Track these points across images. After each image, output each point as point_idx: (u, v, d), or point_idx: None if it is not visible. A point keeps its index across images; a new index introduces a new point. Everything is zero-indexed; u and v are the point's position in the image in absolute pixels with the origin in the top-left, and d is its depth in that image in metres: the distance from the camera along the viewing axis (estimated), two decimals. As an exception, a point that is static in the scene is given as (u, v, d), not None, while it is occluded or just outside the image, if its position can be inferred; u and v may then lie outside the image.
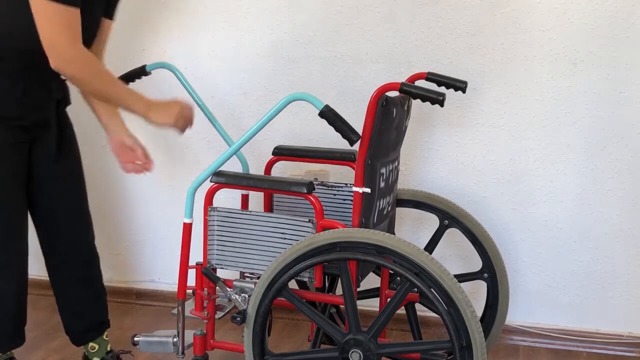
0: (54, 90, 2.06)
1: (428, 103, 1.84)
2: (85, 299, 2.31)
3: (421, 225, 2.70)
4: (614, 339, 2.60)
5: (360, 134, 1.85)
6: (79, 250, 2.25)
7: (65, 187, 2.18)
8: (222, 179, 1.99)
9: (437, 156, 2.65)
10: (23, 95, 1.96)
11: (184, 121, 2.03)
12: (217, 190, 2.01)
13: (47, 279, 3.05)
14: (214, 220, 2.01)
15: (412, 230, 2.71)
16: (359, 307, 1.87)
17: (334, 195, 2.29)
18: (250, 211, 2.02)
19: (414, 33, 2.58)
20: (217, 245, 2.03)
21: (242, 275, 2.22)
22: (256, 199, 2.36)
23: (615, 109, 2.50)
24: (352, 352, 1.85)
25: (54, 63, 1.85)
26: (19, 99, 1.96)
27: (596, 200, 2.56)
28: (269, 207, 2.32)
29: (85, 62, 1.90)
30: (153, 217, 2.95)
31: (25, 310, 2.19)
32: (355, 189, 1.89)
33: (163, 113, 1.99)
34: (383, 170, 1.98)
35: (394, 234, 2.28)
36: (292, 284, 2.18)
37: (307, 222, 1.93)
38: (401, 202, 2.32)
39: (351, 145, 1.85)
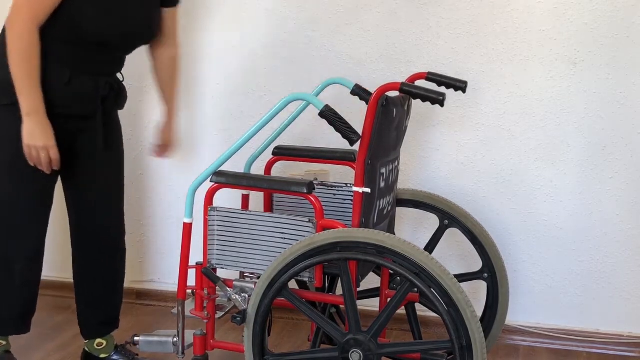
0: (101, 87, 2.13)
1: (428, 103, 1.84)
2: (104, 290, 2.37)
3: (421, 226, 2.70)
4: (614, 339, 2.60)
5: (360, 134, 1.85)
6: (108, 233, 2.31)
7: (105, 176, 2.27)
8: (222, 179, 1.99)
9: (437, 156, 2.65)
10: (67, 84, 2.06)
11: (35, 155, 2.03)
12: (217, 190, 2.01)
13: (48, 278, 3.06)
14: (214, 220, 2.01)
15: (412, 230, 2.71)
16: (359, 307, 1.87)
17: (334, 195, 2.29)
18: (251, 211, 2.02)
19: (414, 33, 2.58)
20: (217, 245, 2.02)
21: (242, 275, 2.22)
22: (256, 198, 2.36)
23: (616, 109, 2.50)
24: (352, 352, 1.85)
25: (7, 21, 1.99)
26: (62, 89, 2.06)
27: (596, 200, 2.56)
28: (269, 207, 2.32)
29: (21, 40, 1.97)
30: (153, 217, 2.95)
31: (35, 298, 2.28)
32: (355, 188, 1.89)
33: (29, 132, 2.01)
34: (383, 170, 1.98)
35: (394, 233, 2.28)
36: (293, 284, 2.19)
37: (307, 222, 1.93)
38: (401, 202, 2.32)
39: (351, 145, 1.85)
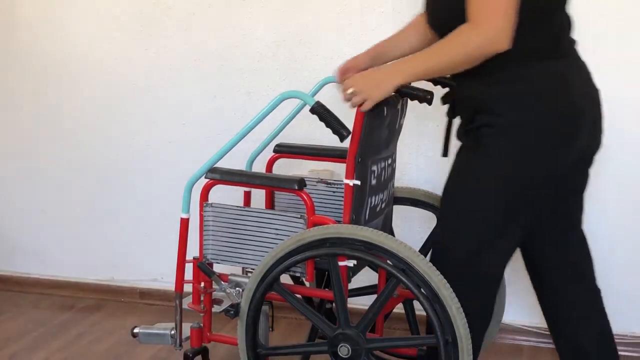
0: None
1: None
2: None
3: (425, 224, 2.71)
4: (616, 339, 2.55)
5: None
6: None
7: None
8: (217, 175, 2.03)
9: (440, 155, 2.66)
10: None
11: None
12: (212, 187, 2.06)
13: (51, 278, 3.14)
14: (209, 216, 2.06)
15: (418, 229, 2.72)
16: (360, 305, 1.89)
17: (334, 192, 2.32)
18: (244, 207, 2.06)
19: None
20: (212, 240, 2.07)
21: (244, 271, 2.27)
22: (260, 197, 2.39)
23: (618, 108, 2.48)
24: (341, 346, 1.88)
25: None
26: None
27: (598, 199, 2.54)
28: (270, 204, 2.36)
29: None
30: (156, 216, 2.99)
31: None
32: (346, 181, 1.91)
33: None
34: (374, 168, 2.01)
35: (392, 231, 2.30)
36: (289, 280, 2.22)
37: (298, 218, 1.97)
38: (398, 200, 2.34)
39: (341, 140, 1.88)
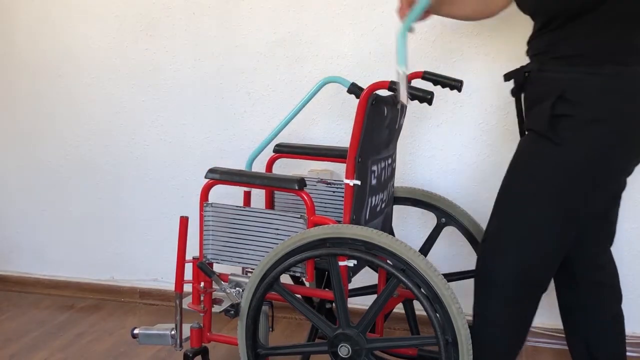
0: None
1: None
2: None
3: (425, 224, 2.71)
4: (617, 339, 2.58)
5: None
6: None
7: None
8: (217, 175, 2.03)
9: (441, 155, 2.66)
10: None
11: None
12: (212, 186, 2.06)
13: (51, 277, 3.13)
14: (209, 216, 2.06)
15: (418, 229, 2.72)
16: (360, 305, 1.89)
17: (333, 192, 2.32)
18: (245, 207, 2.06)
19: (418, 33, 2.59)
20: (213, 240, 2.07)
21: (244, 271, 2.27)
22: (260, 197, 2.40)
23: (619, 108, 2.49)
24: (341, 346, 1.88)
25: None
26: None
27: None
28: (270, 204, 2.36)
29: None
30: (156, 216, 3.00)
31: None
32: (346, 181, 1.91)
33: None
34: (374, 168, 2.01)
35: (392, 230, 2.31)
36: (289, 280, 2.22)
37: (298, 218, 1.97)
38: (399, 200, 2.34)
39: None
